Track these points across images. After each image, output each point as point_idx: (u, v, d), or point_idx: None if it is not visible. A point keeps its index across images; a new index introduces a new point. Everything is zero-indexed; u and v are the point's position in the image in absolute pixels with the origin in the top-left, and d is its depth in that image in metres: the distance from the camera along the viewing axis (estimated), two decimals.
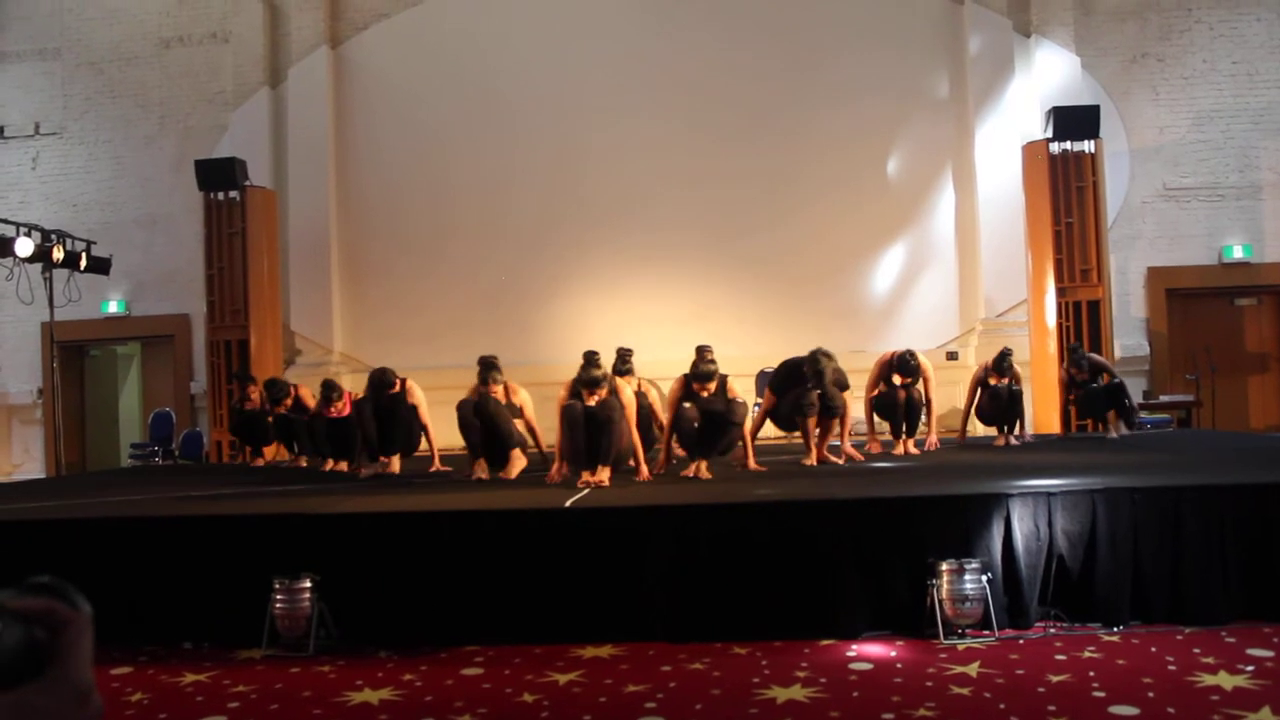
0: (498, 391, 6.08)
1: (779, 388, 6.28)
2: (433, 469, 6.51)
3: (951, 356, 10.11)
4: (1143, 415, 8.74)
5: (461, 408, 5.95)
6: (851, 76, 10.44)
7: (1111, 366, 7.71)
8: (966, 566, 3.90)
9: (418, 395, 6.63)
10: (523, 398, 6.26)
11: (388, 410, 6.56)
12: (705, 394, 5.62)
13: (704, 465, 5.62)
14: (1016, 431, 7.39)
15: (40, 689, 0.64)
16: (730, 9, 10.62)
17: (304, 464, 7.61)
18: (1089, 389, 7.40)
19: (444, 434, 6.78)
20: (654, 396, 7.23)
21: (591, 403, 5.51)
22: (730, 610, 4.10)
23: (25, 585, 0.66)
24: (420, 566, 4.26)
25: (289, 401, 7.63)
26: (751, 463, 5.90)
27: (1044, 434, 8.37)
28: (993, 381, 7.17)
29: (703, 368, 5.60)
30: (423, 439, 6.71)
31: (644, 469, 5.71)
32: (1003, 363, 7.07)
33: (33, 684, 0.64)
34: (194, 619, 4.34)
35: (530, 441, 6.28)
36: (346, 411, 7.04)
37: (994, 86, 10.31)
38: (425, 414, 6.61)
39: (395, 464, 6.61)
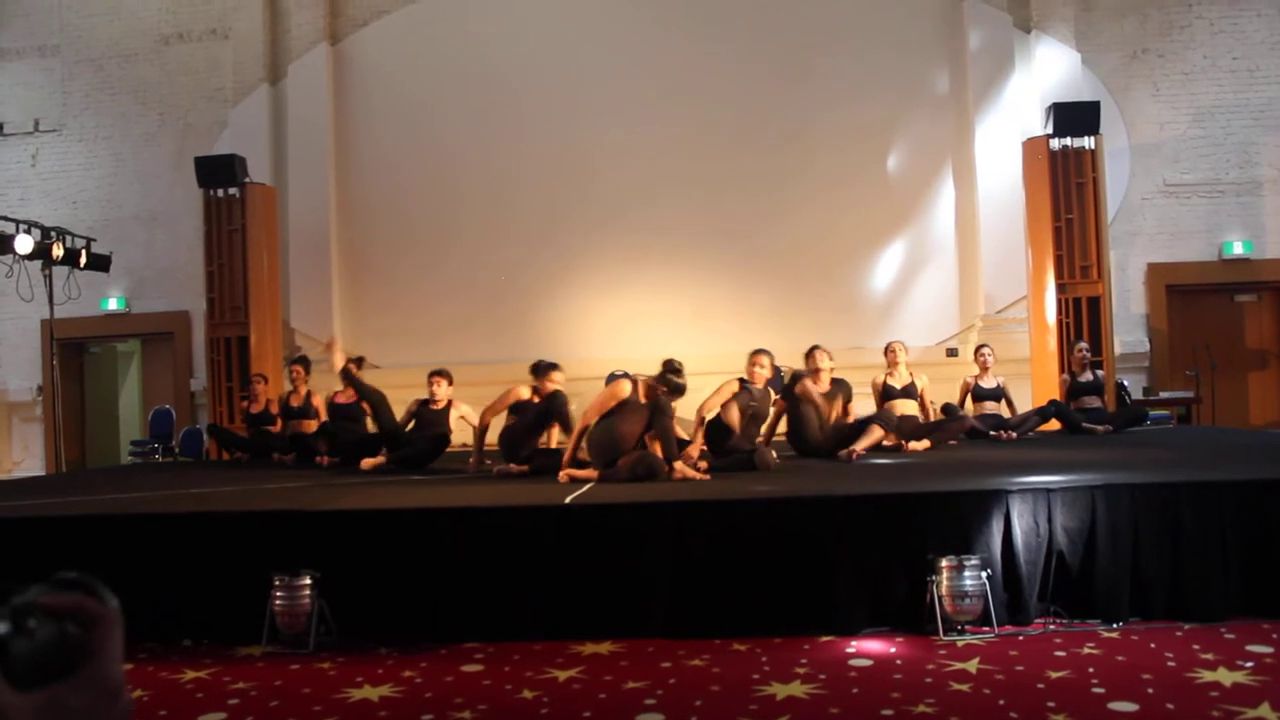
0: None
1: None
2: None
3: (951, 353, 10.11)
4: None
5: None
6: (852, 74, 10.42)
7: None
8: (966, 563, 3.90)
9: (464, 410, 7.14)
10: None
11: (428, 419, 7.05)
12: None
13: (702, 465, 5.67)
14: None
15: (73, 687, 0.63)
16: (729, 7, 10.61)
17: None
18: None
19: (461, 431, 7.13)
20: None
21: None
22: (730, 607, 4.10)
23: (54, 581, 0.66)
24: (420, 563, 4.26)
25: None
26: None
27: (1044, 431, 8.35)
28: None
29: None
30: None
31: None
32: None
33: (65, 681, 0.63)
34: (194, 616, 4.34)
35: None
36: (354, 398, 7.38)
37: (994, 82, 10.30)
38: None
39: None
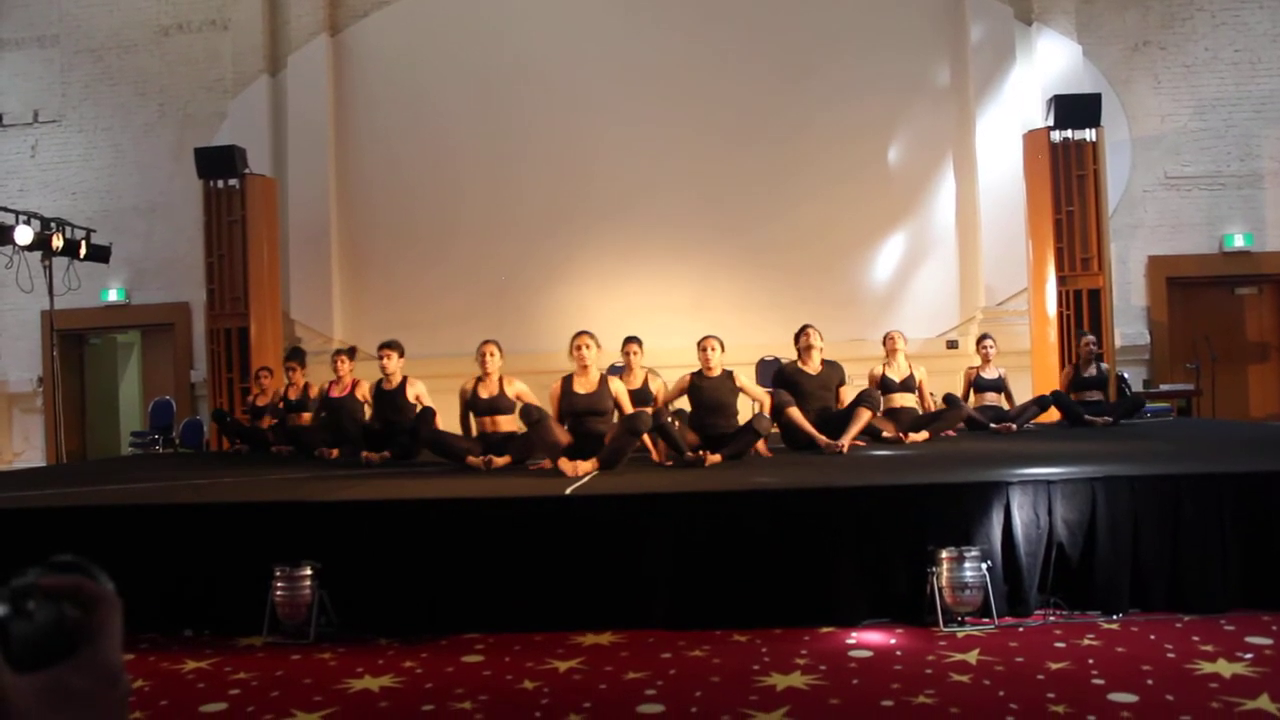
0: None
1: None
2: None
3: (952, 345, 10.11)
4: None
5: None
6: (853, 67, 10.40)
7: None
8: (966, 554, 3.90)
9: (419, 388, 6.75)
10: (518, 388, 6.28)
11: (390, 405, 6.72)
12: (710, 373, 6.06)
13: (710, 455, 5.67)
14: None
15: (72, 669, 0.63)
16: (731, 1, 10.61)
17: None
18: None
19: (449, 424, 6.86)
20: (657, 386, 7.27)
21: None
22: (730, 598, 4.11)
23: (51, 563, 0.66)
24: (421, 554, 4.27)
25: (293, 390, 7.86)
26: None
27: (1044, 422, 8.36)
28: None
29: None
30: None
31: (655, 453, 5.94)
32: None
33: (64, 664, 0.63)
34: (195, 606, 4.35)
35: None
36: (349, 388, 7.24)
37: (995, 75, 10.28)
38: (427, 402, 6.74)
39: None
